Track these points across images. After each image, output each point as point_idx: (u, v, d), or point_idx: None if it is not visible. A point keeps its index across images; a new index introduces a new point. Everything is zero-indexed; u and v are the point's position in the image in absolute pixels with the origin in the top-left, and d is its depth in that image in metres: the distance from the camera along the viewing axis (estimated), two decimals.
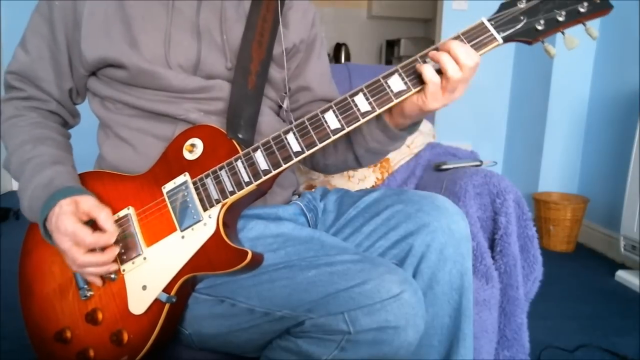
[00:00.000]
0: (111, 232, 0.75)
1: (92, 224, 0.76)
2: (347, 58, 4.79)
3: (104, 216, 0.75)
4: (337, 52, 4.79)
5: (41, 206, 0.77)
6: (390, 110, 0.80)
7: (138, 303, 0.76)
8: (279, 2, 0.92)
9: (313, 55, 1.00)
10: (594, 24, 0.73)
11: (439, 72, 0.74)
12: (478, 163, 1.34)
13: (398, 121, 0.83)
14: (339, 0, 4.77)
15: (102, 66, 0.85)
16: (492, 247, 1.14)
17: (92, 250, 0.75)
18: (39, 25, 0.88)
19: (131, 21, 0.84)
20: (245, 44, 0.88)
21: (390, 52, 4.86)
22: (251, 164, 0.77)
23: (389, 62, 4.89)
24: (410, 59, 0.76)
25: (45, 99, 0.90)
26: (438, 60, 0.73)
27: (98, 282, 0.78)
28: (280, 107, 0.97)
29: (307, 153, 0.76)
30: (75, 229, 0.73)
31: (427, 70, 0.74)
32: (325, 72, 1.03)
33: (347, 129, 0.76)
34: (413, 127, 0.85)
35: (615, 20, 2.47)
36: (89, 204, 0.76)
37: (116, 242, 0.77)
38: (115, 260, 0.78)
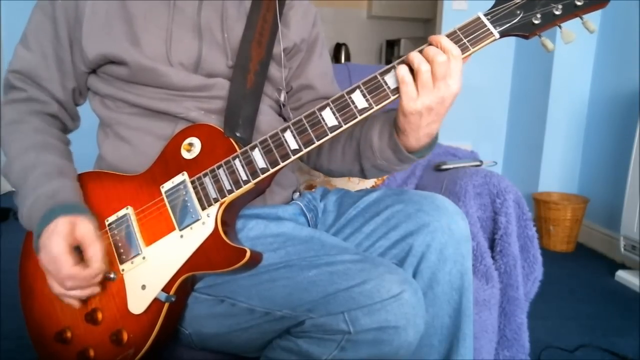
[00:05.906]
0: (95, 270, 0.73)
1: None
2: (347, 58, 4.78)
3: (94, 251, 0.73)
4: (337, 52, 4.78)
5: (40, 217, 0.76)
6: (403, 129, 0.78)
7: (137, 302, 0.76)
8: (279, 1, 0.92)
9: (315, 55, 1.00)
10: (594, 21, 0.72)
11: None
12: (478, 163, 1.34)
13: (408, 142, 0.80)
14: (339, 0, 4.77)
15: (103, 63, 0.85)
16: (492, 247, 1.14)
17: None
18: (41, 23, 0.87)
19: (133, 19, 0.84)
20: (245, 43, 0.88)
21: (390, 52, 4.85)
22: (249, 163, 0.77)
23: (389, 62, 4.85)
24: (405, 55, 0.75)
25: (46, 101, 0.89)
26: (411, 58, 0.72)
27: (76, 304, 0.77)
28: (279, 106, 0.97)
29: (305, 151, 0.76)
30: (58, 255, 0.72)
31: (401, 69, 0.73)
32: (327, 71, 1.02)
33: (344, 127, 0.75)
34: (424, 151, 0.82)
35: (615, 20, 2.48)
36: (85, 230, 0.74)
37: (110, 252, 0.77)
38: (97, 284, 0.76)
